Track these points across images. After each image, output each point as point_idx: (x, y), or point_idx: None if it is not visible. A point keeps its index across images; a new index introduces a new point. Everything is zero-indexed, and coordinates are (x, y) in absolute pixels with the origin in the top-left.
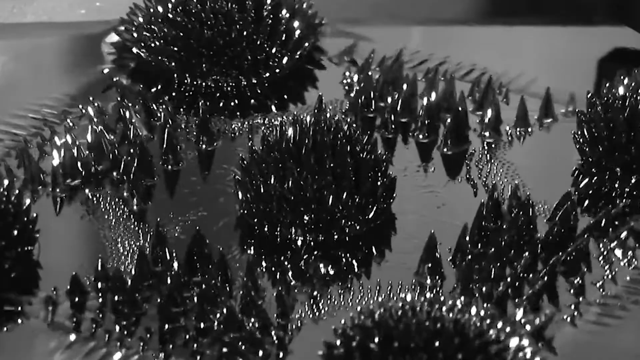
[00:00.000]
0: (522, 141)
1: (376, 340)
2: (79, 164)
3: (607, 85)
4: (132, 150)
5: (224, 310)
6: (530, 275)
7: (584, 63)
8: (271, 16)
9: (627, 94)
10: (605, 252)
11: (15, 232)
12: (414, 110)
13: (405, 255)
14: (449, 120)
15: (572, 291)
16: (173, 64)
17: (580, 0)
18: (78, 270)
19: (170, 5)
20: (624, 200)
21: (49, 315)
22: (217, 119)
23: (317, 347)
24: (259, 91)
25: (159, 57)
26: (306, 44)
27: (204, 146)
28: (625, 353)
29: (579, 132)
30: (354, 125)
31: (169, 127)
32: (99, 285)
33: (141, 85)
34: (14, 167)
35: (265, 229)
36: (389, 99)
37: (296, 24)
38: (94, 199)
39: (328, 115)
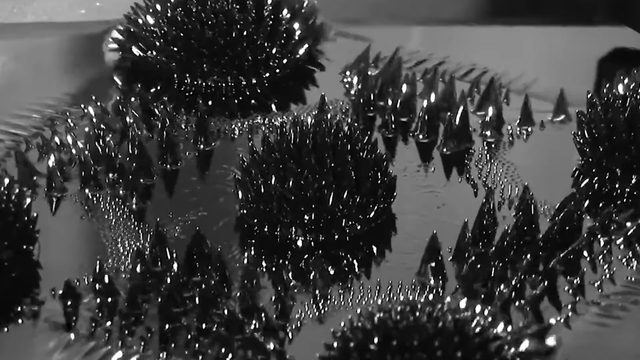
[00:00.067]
0: (526, 139)
1: (375, 340)
2: (78, 164)
3: (607, 85)
4: (131, 150)
5: (225, 311)
6: (532, 276)
7: (584, 63)
8: (272, 16)
9: (627, 94)
10: (604, 252)
11: (15, 232)
12: (413, 109)
13: (406, 255)
14: (449, 119)
15: (571, 291)
16: (173, 64)
17: (580, 0)
18: (78, 270)
19: (170, 5)
20: (629, 205)
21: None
22: (217, 119)
23: (316, 348)
24: (259, 91)
25: (159, 57)
26: (306, 45)
27: (201, 146)
28: (624, 353)
29: (579, 132)
30: (355, 124)
31: (168, 126)
32: (97, 286)
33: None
34: (14, 167)
35: (266, 229)
36: (389, 99)
37: (296, 24)
38: (94, 199)
39: (329, 115)
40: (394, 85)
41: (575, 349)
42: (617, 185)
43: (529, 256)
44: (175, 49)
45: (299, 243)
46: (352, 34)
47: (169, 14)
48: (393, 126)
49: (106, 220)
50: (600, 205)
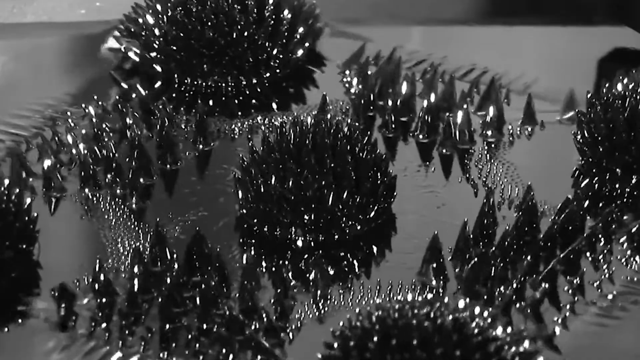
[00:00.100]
0: (529, 139)
1: (375, 339)
2: (78, 164)
3: (607, 85)
4: (131, 150)
5: (225, 312)
6: (533, 277)
7: (584, 63)
8: (273, 17)
9: (627, 94)
10: (604, 252)
11: (15, 232)
12: (413, 109)
13: (406, 255)
14: (450, 119)
15: (570, 291)
16: (173, 64)
17: (580, 0)
18: (78, 270)
19: (170, 5)
20: (629, 205)
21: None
22: (218, 119)
23: (316, 348)
24: (259, 91)
25: (159, 57)
26: (307, 45)
27: (201, 146)
28: (624, 353)
29: (579, 132)
30: (356, 124)
31: (167, 126)
32: (96, 286)
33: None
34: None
35: (265, 229)
36: (389, 99)
37: (297, 24)
38: (94, 198)
39: (329, 115)
40: (393, 85)
41: (575, 349)
42: (617, 186)
43: (529, 257)
44: (175, 49)
45: (299, 243)
46: (352, 34)
47: (169, 14)
48: (393, 126)
49: (106, 220)
50: (601, 205)
